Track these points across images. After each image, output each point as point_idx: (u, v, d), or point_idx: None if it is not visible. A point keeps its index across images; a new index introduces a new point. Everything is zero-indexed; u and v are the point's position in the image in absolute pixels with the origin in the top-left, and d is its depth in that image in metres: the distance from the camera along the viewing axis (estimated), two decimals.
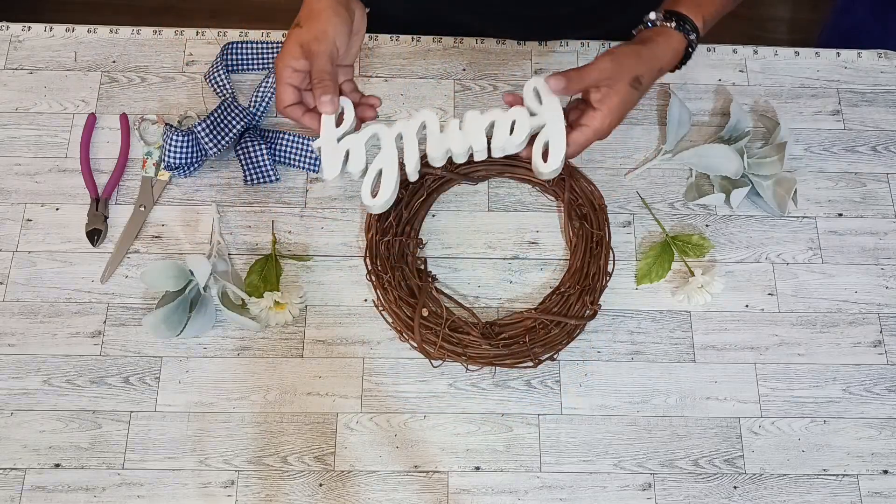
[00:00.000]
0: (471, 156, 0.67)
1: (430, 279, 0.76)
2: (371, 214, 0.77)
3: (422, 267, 0.77)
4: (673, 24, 0.68)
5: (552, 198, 0.81)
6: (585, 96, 0.66)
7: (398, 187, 0.67)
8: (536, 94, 0.65)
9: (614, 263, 0.78)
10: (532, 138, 0.65)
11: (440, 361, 0.73)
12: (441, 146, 0.66)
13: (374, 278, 0.75)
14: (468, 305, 0.76)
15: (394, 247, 0.76)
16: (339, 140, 0.65)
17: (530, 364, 0.73)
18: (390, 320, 0.74)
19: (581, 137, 0.65)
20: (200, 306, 0.73)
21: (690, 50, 0.70)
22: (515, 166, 0.80)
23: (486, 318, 0.76)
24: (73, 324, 0.74)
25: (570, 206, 0.79)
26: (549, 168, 0.64)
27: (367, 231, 0.77)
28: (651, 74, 0.67)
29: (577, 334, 0.75)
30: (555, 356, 0.74)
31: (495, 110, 0.65)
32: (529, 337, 0.73)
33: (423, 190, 0.79)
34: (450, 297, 0.76)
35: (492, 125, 0.65)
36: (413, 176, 0.67)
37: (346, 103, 0.66)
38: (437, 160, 0.67)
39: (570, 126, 0.65)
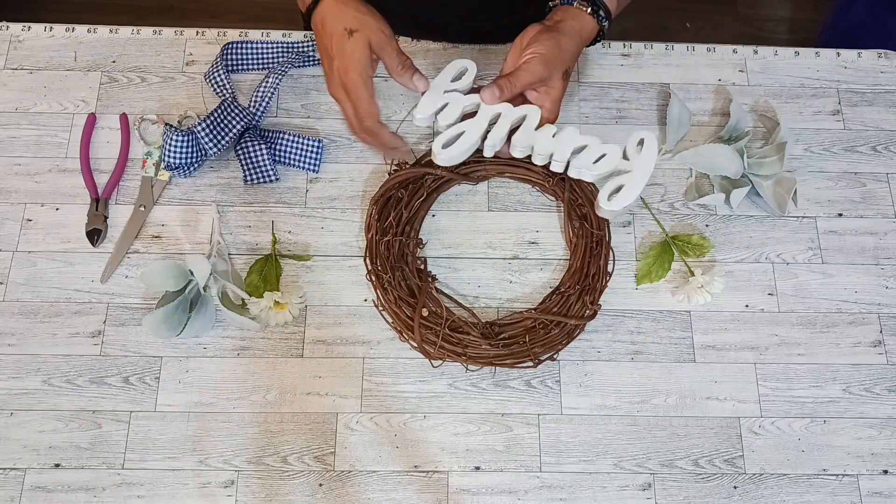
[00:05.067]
0: (525, 161, 0.71)
1: (430, 279, 0.76)
2: (371, 214, 0.77)
3: (422, 267, 0.77)
4: (589, 10, 0.71)
5: (552, 198, 0.81)
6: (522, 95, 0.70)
7: (470, 152, 0.69)
8: (640, 144, 0.68)
9: (614, 263, 0.78)
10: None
11: (440, 361, 0.73)
12: (528, 139, 0.69)
13: (373, 278, 0.75)
14: (468, 305, 0.76)
15: (394, 247, 0.76)
16: (445, 92, 0.69)
17: (530, 364, 0.73)
18: (390, 320, 0.74)
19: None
20: (200, 306, 0.73)
21: (601, 37, 0.73)
22: (515, 166, 0.80)
23: (486, 318, 0.76)
24: (73, 324, 0.74)
25: (571, 205, 0.79)
26: (610, 206, 0.67)
27: (367, 231, 0.77)
28: (574, 62, 0.71)
29: (578, 334, 0.75)
30: (555, 356, 0.74)
31: (593, 137, 0.69)
32: (529, 337, 0.73)
33: (423, 190, 0.79)
34: (450, 297, 0.76)
35: (583, 147, 0.69)
36: (488, 152, 0.70)
37: (471, 65, 0.70)
38: (517, 149, 0.69)
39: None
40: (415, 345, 0.73)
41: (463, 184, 0.81)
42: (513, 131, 0.70)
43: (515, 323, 0.74)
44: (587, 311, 0.75)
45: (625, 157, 0.68)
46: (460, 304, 0.76)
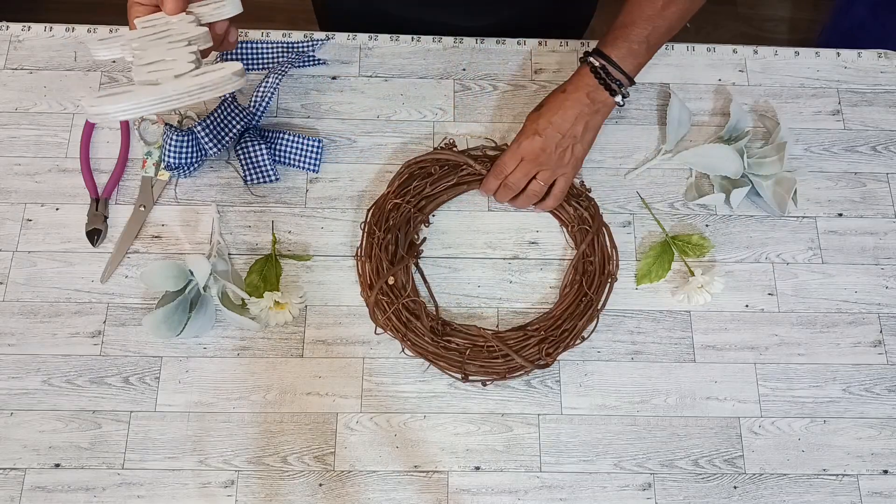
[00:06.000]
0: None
1: (415, 253, 0.76)
2: (400, 173, 0.78)
3: (416, 241, 0.78)
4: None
5: (571, 243, 0.80)
6: None
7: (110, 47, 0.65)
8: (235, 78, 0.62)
9: (595, 327, 0.76)
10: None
11: (381, 331, 0.74)
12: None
13: (365, 227, 0.75)
14: (456, 305, 0.76)
15: (401, 211, 0.76)
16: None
17: (459, 376, 0.72)
18: (359, 271, 0.75)
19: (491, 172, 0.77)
20: (200, 306, 0.72)
21: (595, 64, 0.75)
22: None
23: (483, 319, 0.76)
24: (73, 324, 0.74)
25: (582, 259, 0.77)
26: (92, 107, 0.59)
27: (389, 187, 0.77)
28: (552, 98, 0.76)
29: (519, 375, 0.73)
30: (486, 382, 0.73)
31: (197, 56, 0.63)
32: (471, 354, 0.72)
33: (453, 176, 0.79)
34: (425, 281, 0.76)
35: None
36: (97, 49, 0.65)
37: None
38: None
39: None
40: (368, 303, 0.73)
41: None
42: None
43: (468, 334, 0.74)
44: (540, 361, 0.73)
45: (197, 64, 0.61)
46: (430, 292, 0.76)
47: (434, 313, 0.75)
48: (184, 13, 0.65)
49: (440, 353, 0.72)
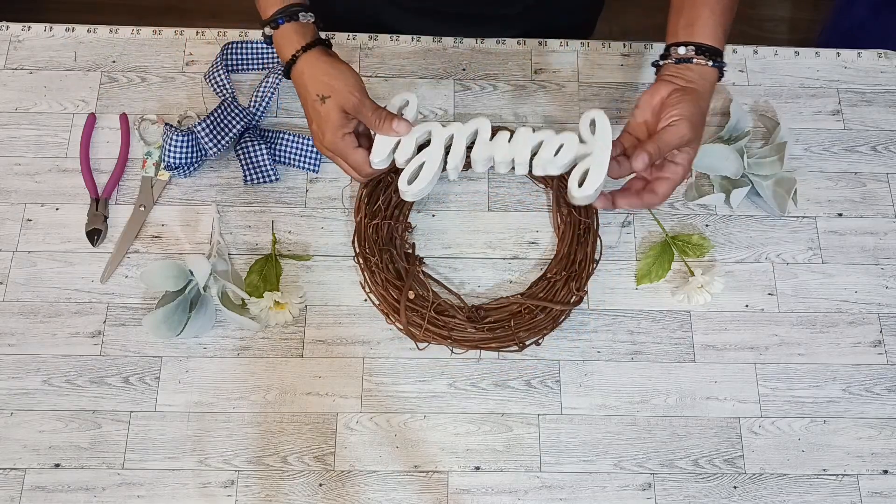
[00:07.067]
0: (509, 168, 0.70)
1: (417, 262, 0.76)
2: (360, 197, 0.77)
3: (409, 251, 0.77)
4: (710, 63, 0.69)
5: (542, 185, 0.81)
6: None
7: (435, 181, 0.69)
8: (592, 124, 0.67)
9: (601, 251, 0.78)
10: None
11: (426, 344, 0.74)
12: (486, 152, 0.68)
13: (361, 261, 0.75)
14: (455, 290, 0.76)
15: (382, 230, 0.76)
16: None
17: (515, 349, 0.73)
18: (377, 302, 0.75)
19: (666, 189, 0.67)
20: (200, 306, 0.73)
21: (720, 78, 0.71)
22: None
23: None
24: (72, 324, 0.74)
25: (559, 193, 0.79)
26: (581, 193, 0.65)
27: (356, 214, 0.77)
28: (703, 115, 0.70)
29: (563, 320, 0.75)
30: (539, 341, 0.74)
31: (547, 131, 0.68)
32: (514, 321, 0.73)
33: None
34: (437, 281, 0.76)
35: (540, 144, 0.68)
36: (453, 175, 0.70)
37: (412, 97, 0.70)
38: (479, 164, 0.69)
39: (647, 179, 0.68)
40: (401, 327, 0.73)
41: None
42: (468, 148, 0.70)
43: (501, 308, 0.75)
44: (573, 298, 0.75)
45: (582, 141, 0.67)
46: (447, 288, 0.76)
47: (462, 304, 0.75)
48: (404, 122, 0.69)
49: (488, 337, 0.73)
